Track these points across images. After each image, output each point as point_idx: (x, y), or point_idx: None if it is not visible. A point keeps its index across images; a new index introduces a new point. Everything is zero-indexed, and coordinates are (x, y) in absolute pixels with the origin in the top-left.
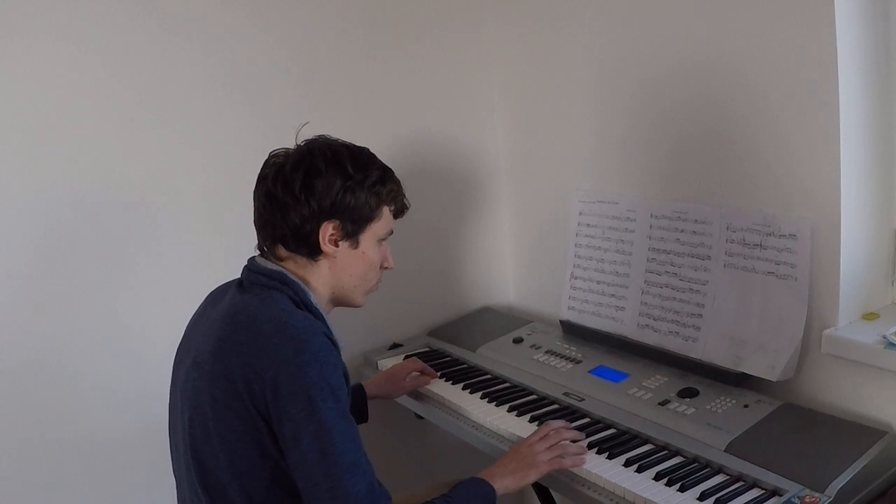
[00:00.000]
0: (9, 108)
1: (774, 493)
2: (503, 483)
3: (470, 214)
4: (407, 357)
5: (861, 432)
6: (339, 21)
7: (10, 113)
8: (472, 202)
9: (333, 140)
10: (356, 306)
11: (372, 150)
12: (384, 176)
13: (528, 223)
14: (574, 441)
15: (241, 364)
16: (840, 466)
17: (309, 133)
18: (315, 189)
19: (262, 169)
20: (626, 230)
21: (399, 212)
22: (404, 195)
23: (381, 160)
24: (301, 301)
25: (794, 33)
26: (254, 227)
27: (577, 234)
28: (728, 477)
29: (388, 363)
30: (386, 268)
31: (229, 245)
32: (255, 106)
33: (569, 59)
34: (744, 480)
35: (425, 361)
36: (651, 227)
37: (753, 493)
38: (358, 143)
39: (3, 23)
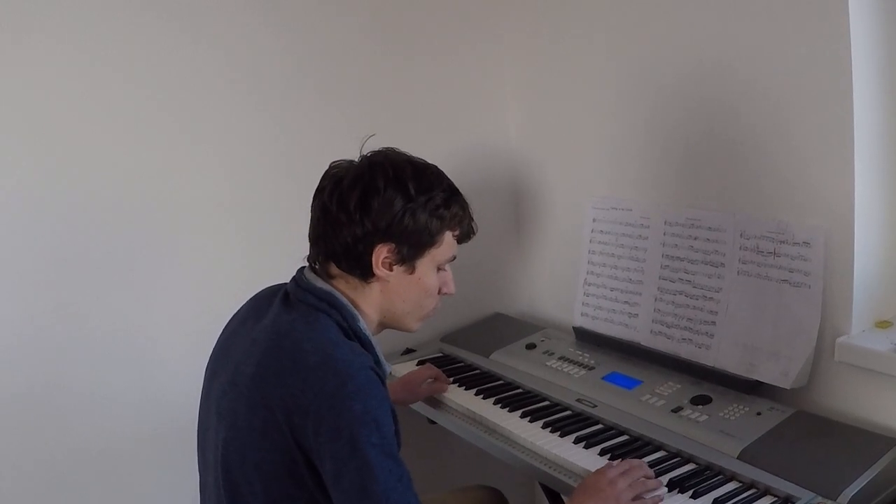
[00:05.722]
0: (19, 111)
1: (787, 500)
2: None
3: (483, 220)
4: (420, 363)
5: (874, 440)
6: (355, 28)
7: (21, 116)
8: (485, 208)
9: (399, 155)
10: (408, 332)
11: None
12: (449, 199)
13: (541, 229)
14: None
15: (282, 395)
16: (853, 474)
17: (377, 144)
18: (371, 208)
19: (321, 180)
20: (640, 237)
21: (464, 236)
22: (471, 219)
23: (450, 179)
24: (349, 327)
25: (808, 40)
26: (299, 238)
27: (590, 241)
28: (741, 484)
29: (400, 368)
30: (445, 293)
31: (244, 253)
32: (272, 113)
33: (583, 65)
34: (756, 488)
35: (438, 367)
36: (665, 234)
37: (766, 501)
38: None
39: (14, 22)
